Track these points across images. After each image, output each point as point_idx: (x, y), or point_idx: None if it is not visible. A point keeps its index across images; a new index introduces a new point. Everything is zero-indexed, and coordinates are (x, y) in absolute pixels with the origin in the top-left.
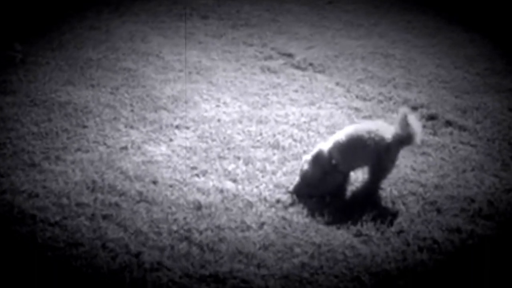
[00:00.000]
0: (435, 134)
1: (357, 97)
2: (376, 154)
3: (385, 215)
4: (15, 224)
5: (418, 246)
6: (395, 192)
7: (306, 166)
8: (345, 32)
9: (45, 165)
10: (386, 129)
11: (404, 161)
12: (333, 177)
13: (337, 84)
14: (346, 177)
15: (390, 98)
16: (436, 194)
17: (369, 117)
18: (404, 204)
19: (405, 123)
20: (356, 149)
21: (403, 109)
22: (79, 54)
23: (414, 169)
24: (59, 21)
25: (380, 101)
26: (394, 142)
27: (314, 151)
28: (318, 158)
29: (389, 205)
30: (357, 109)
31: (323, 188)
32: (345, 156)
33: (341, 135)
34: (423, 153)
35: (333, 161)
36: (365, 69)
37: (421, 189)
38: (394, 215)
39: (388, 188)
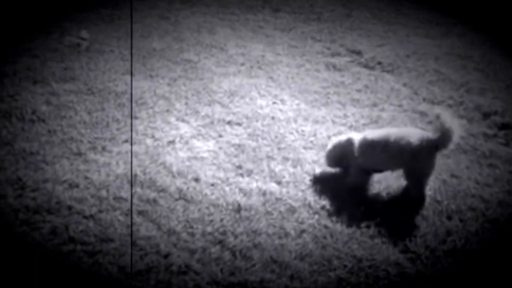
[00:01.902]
0: (506, 144)
1: (424, 100)
2: (404, 160)
3: (438, 232)
4: (51, 214)
5: (472, 269)
6: (452, 206)
7: (330, 147)
8: (421, 31)
9: (90, 155)
10: (418, 136)
11: (468, 172)
12: (355, 171)
13: (405, 85)
14: (368, 176)
15: (461, 103)
16: (499, 212)
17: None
18: (461, 220)
19: (439, 123)
20: (376, 150)
21: (437, 110)
22: (143, 43)
23: (477, 182)
24: (129, 10)
25: (449, 106)
26: (421, 148)
27: (344, 136)
28: (343, 144)
29: (444, 220)
30: (422, 113)
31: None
32: (364, 153)
33: (372, 132)
34: (490, 165)
35: (355, 153)
36: (438, 70)
37: (482, 205)
38: (448, 232)
39: (446, 202)
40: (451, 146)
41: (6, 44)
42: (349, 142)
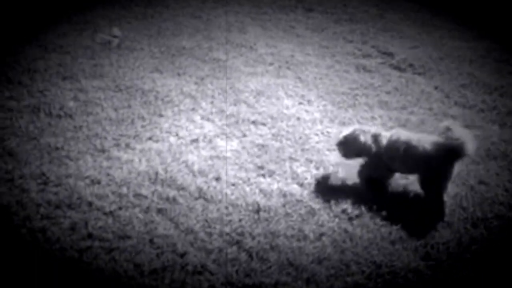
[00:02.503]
0: None
1: (455, 103)
2: (419, 166)
3: (462, 239)
4: (71, 210)
5: (496, 280)
6: (478, 214)
7: (353, 134)
8: (456, 33)
9: (113, 152)
10: (434, 143)
11: (497, 179)
12: (378, 169)
13: (436, 88)
14: (389, 175)
15: (494, 108)
16: None
17: (465, 127)
18: (487, 228)
19: (448, 134)
20: (399, 151)
21: (446, 122)
22: (173, 42)
23: (506, 190)
24: (162, 8)
25: (481, 110)
26: (436, 156)
27: (373, 129)
28: (377, 137)
29: (469, 227)
30: (453, 117)
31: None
32: (389, 152)
33: (400, 132)
34: None
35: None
36: (471, 73)
37: (510, 213)
38: (473, 240)
39: (471, 209)
40: (467, 156)
41: (39, 41)
42: (377, 137)
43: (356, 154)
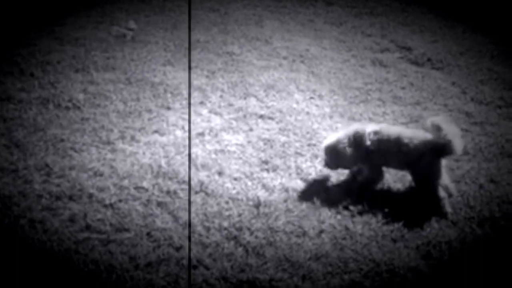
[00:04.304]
0: None
1: (472, 99)
2: (409, 162)
3: (466, 239)
4: (72, 201)
5: (498, 280)
6: (485, 213)
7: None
8: (480, 27)
9: (118, 145)
10: (422, 139)
11: (508, 178)
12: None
13: (453, 84)
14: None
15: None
16: None
17: (480, 123)
18: (493, 228)
19: (436, 130)
20: (390, 147)
21: (433, 118)
22: (188, 35)
23: None
24: (181, 2)
25: (498, 107)
26: (424, 153)
27: (354, 126)
28: (353, 137)
29: (474, 227)
30: (468, 114)
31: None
32: (379, 147)
33: (388, 127)
34: None
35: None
36: (491, 69)
37: None
38: (478, 239)
39: (479, 207)
40: (457, 152)
41: (55, 33)
42: (361, 134)
43: (341, 166)
